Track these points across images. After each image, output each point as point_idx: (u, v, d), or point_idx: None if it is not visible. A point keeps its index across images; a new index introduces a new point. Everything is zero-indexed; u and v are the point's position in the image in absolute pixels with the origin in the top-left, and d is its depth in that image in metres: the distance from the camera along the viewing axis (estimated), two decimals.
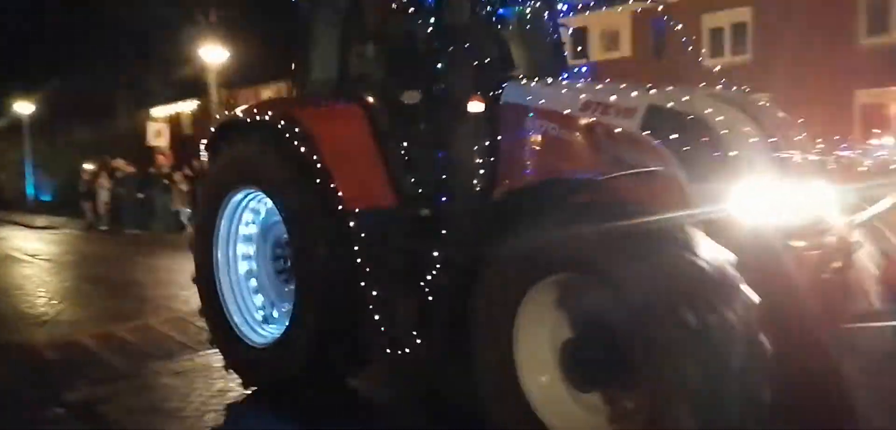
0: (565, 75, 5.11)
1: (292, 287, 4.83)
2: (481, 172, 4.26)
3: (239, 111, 5.11)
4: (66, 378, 5.69)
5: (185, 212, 19.03)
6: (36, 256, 14.76)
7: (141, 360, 6.20)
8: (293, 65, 5.42)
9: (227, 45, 19.74)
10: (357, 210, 4.35)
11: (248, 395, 5.14)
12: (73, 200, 23.90)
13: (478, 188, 4.26)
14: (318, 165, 4.40)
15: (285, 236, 4.87)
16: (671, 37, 5.07)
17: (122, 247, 16.62)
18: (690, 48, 5.12)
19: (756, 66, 16.07)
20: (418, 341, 4.14)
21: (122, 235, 19.47)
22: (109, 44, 30.42)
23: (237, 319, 5.17)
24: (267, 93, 35.25)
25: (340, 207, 4.34)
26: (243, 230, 5.27)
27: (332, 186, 4.36)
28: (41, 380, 5.76)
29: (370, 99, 4.76)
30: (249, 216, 5.27)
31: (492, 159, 4.25)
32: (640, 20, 16.80)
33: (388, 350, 4.28)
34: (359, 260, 4.31)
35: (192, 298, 9.24)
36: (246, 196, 5.10)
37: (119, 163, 22.41)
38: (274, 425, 4.66)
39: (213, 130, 5.34)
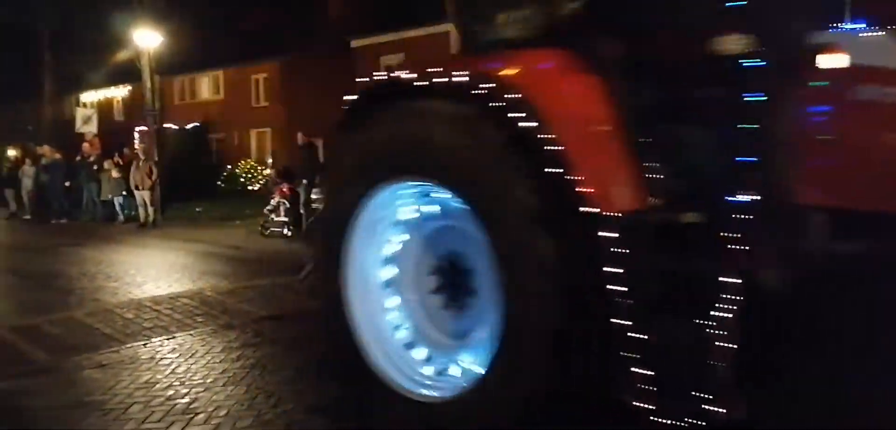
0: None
1: (463, 315, 3.81)
2: (790, 163, 3.00)
3: (404, 73, 3.73)
4: None
5: (118, 200, 18.53)
6: None
7: (63, 353, 6.00)
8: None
9: (161, 30, 19.20)
10: (606, 214, 3.14)
11: (176, 386, 5.04)
12: None
13: (785, 188, 3.01)
14: (552, 151, 3.17)
15: (461, 249, 3.77)
16: None
17: (47, 237, 15.98)
18: None
19: None
20: (710, 407, 2.89)
21: (48, 224, 18.76)
22: (34, 24, 29.22)
23: (386, 365, 3.86)
24: (204, 80, 34.29)
25: (583, 211, 3.13)
26: (390, 240, 3.99)
27: (569, 179, 3.15)
28: None
29: (605, 55, 3.41)
30: (396, 221, 3.97)
31: (807, 145, 3.04)
32: None
33: (656, 417, 3.06)
34: (610, 285, 3.10)
35: (119, 289, 9.16)
36: (397, 191, 3.83)
37: (45, 149, 21.61)
38: (203, 416, 4.57)
39: (356, 97, 3.89)
